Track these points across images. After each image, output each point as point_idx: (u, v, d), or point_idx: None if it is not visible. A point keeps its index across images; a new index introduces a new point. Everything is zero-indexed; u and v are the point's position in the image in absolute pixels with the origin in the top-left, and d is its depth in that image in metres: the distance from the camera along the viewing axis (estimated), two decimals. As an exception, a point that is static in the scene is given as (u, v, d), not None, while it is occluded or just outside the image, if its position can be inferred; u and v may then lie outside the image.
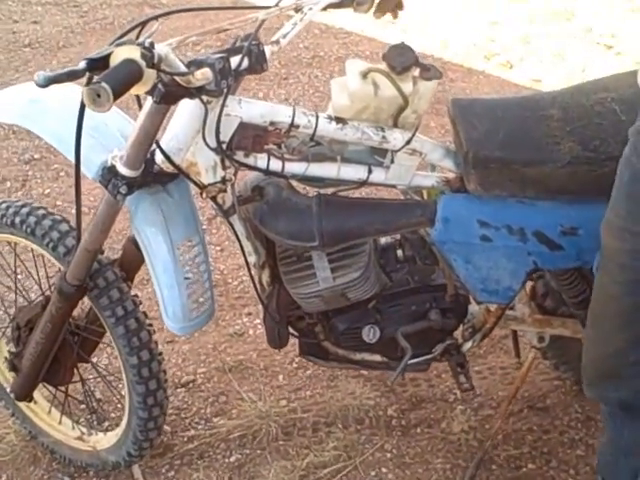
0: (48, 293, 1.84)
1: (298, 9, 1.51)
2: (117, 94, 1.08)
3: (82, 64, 1.14)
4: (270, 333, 1.79)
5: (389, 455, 2.04)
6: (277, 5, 1.49)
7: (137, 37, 1.34)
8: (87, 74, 1.16)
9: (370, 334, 1.76)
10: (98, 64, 1.14)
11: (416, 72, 1.47)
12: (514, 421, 2.08)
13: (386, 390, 2.23)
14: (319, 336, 1.80)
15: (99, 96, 1.07)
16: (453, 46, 4.39)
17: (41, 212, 1.77)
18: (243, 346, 2.44)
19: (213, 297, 1.72)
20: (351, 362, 1.84)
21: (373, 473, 1.99)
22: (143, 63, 1.15)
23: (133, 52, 1.14)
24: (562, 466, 1.98)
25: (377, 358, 1.82)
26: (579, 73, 4.00)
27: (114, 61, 1.13)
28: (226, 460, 2.05)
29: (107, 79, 1.07)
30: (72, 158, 1.48)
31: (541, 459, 1.98)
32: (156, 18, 1.37)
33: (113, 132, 1.63)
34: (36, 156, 3.54)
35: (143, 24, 1.37)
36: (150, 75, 1.18)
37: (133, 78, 1.12)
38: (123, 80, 1.10)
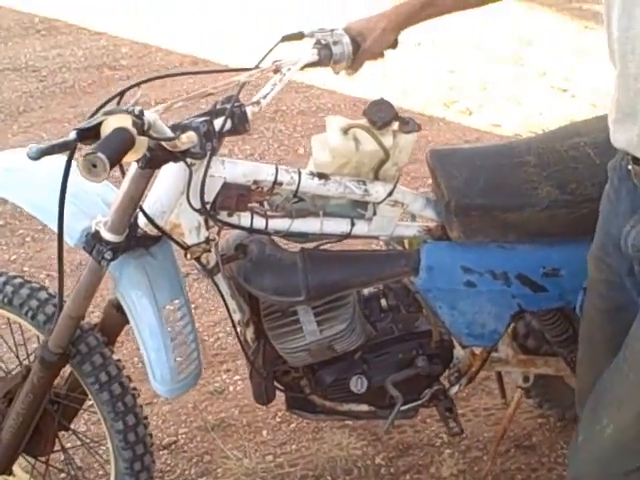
0: (26, 363, 1.81)
1: (277, 70, 1.53)
2: (113, 163, 1.08)
3: (73, 134, 1.14)
4: (257, 389, 1.77)
5: (381, 504, 2.03)
6: (257, 67, 1.52)
7: (118, 104, 1.35)
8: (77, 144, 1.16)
9: (358, 384, 1.76)
10: (89, 133, 1.15)
11: (395, 126, 1.51)
12: (502, 461, 2.09)
13: (372, 439, 2.23)
14: (305, 390, 1.80)
15: (95, 166, 1.07)
16: (412, 95, 4.50)
17: (18, 280, 1.74)
18: (224, 403, 2.42)
19: (200, 357, 1.70)
20: (339, 413, 1.84)
21: (366, 524, 1.98)
22: (134, 131, 1.15)
23: (124, 120, 1.15)
24: (553, 502, 2.01)
25: (364, 408, 1.82)
26: (536, 117, 4.13)
27: (105, 130, 1.13)
28: (215, 525, 2.02)
29: (102, 149, 1.07)
30: (54, 226, 1.46)
31: (532, 496, 2.00)
32: (138, 85, 1.38)
33: (93, 198, 1.62)
34: (0, 222, 3.50)
35: (123, 92, 1.38)
36: (142, 142, 1.19)
37: (126, 146, 1.13)
38: (117, 149, 1.10)
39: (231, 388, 2.48)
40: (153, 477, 1.90)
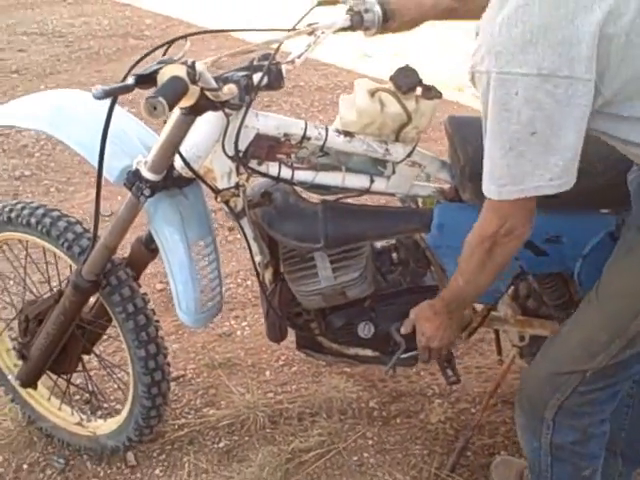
0: (60, 288, 1.93)
1: (312, 32, 1.63)
2: (171, 106, 1.20)
3: (131, 79, 1.25)
4: (271, 327, 1.89)
5: (370, 442, 2.17)
6: (294, 28, 1.62)
7: (164, 54, 1.46)
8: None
9: (365, 330, 1.88)
10: (146, 79, 1.26)
11: (419, 92, 1.62)
12: (489, 414, 2.22)
13: (368, 385, 2.37)
14: (316, 331, 1.92)
15: (155, 109, 1.19)
16: (428, 78, 4.55)
17: (56, 214, 1.86)
18: (231, 345, 2.56)
19: (222, 292, 1.83)
20: (345, 356, 1.96)
21: (355, 458, 2.12)
22: (188, 80, 1.26)
23: (179, 70, 1.26)
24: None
25: (369, 353, 1.95)
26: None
27: (162, 78, 1.25)
28: (215, 446, 2.16)
29: (162, 94, 1.19)
30: (95, 163, 1.58)
31: (512, 447, 2.13)
32: (185, 37, 1.48)
33: (133, 140, 1.73)
34: (26, 173, 3.64)
35: (172, 42, 1.49)
36: (194, 90, 1.30)
37: (181, 93, 1.24)
38: (174, 94, 1.22)
39: (239, 332, 2.63)
40: (168, 402, 2.05)
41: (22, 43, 5.48)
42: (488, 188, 1.35)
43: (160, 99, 1.18)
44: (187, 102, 1.32)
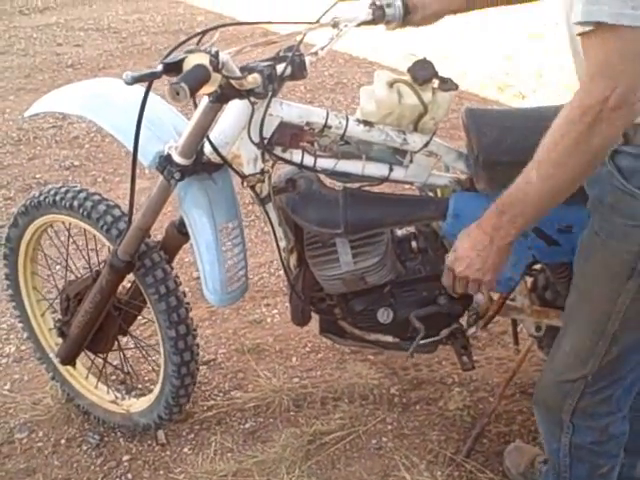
0: (97, 269, 2.04)
1: (335, 25, 1.72)
2: (192, 92, 1.29)
3: (160, 67, 1.35)
4: (294, 311, 1.97)
5: (389, 427, 2.24)
6: (317, 22, 1.71)
7: (197, 43, 1.55)
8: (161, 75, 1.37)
9: (384, 316, 1.95)
10: (173, 67, 1.36)
11: (435, 84, 1.68)
12: (506, 403, 2.27)
13: (390, 372, 2.44)
14: (337, 316, 2.00)
15: (178, 94, 1.29)
16: (470, 77, 4.64)
17: (96, 197, 1.96)
18: (261, 332, 2.66)
19: (247, 275, 1.91)
20: (365, 341, 2.03)
21: (374, 441, 2.19)
22: (211, 68, 1.36)
23: (203, 58, 1.36)
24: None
25: (389, 339, 2.01)
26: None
27: (187, 65, 1.35)
28: (241, 426, 2.26)
29: (184, 80, 1.29)
30: (130, 147, 1.68)
31: (528, 436, 2.18)
32: (215, 28, 1.58)
33: (167, 126, 1.83)
34: (76, 163, 3.82)
35: (204, 33, 1.59)
36: (216, 78, 1.40)
37: (203, 80, 1.34)
38: (196, 81, 1.31)
39: (269, 320, 2.73)
40: (196, 382, 2.14)
41: (78, 38, 5.72)
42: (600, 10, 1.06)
43: (182, 85, 1.28)
44: (209, 89, 1.41)
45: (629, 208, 1.33)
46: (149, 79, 1.35)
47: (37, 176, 3.72)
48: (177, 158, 1.69)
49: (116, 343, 2.16)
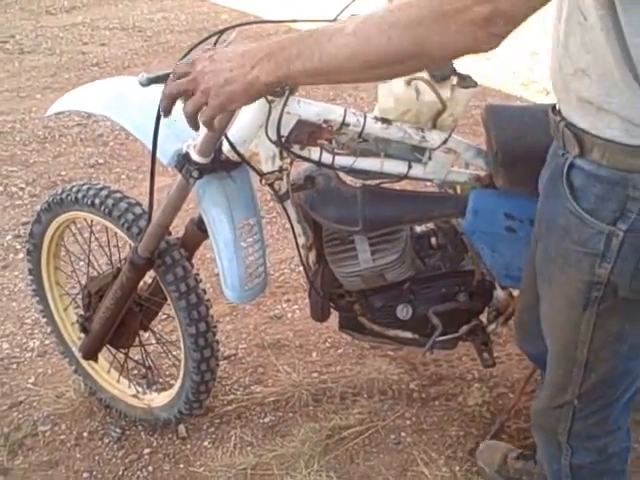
0: (118, 265, 2.06)
1: (354, 23, 1.71)
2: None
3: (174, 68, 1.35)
4: (314, 307, 1.98)
5: (408, 422, 2.25)
6: (335, 19, 1.70)
7: (215, 44, 1.56)
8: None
9: (404, 312, 1.95)
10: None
11: (454, 81, 1.67)
12: (526, 400, 2.25)
13: (409, 368, 2.44)
14: (357, 312, 2.00)
15: (194, 93, 1.29)
16: (494, 73, 4.62)
17: (118, 195, 1.98)
18: (281, 327, 2.67)
19: (266, 272, 1.91)
20: (385, 337, 2.04)
21: (393, 436, 2.20)
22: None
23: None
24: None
25: (408, 335, 2.02)
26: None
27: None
28: (260, 420, 2.28)
29: None
30: (150, 146, 1.69)
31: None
32: (233, 28, 1.58)
33: (185, 125, 1.82)
34: (100, 161, 3.86)
35: (221, 32, 1.59)
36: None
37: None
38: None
39: (289, 315, 2.74)
40: (216, 378, 2.16)
41: (104, 37, 5.77)
42: None
43: None
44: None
45: (578, 233, 1.24)
46: (164, 81, 1.35)
47: (62, 173, 3.76)
48: (195, 156, 1.70)
49: (137, 338, 2.18)
